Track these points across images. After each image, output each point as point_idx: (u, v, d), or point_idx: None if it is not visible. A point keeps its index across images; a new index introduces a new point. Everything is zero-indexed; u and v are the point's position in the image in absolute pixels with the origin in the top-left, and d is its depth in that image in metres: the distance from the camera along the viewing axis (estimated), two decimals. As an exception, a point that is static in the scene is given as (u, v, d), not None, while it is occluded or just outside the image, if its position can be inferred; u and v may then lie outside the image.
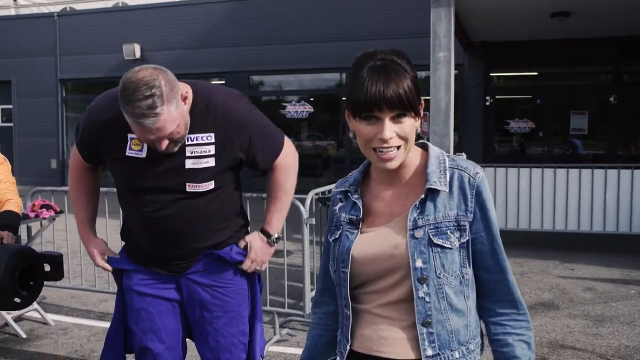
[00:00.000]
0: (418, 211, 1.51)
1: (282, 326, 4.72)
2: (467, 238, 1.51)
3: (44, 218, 5.10)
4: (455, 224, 1.50)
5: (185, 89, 2.15)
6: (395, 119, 1.44)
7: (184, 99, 2.12)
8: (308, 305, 4.76)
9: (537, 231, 7.94)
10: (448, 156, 1.58)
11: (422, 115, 1.55)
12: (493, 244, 1.52)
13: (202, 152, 2.20)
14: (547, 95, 12.22)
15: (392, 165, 1.49)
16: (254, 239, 2.42)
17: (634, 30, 10.20)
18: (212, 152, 2.22)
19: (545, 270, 6.88)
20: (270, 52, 13.43)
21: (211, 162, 2.22)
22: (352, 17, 12.68)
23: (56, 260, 2.82)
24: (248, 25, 13.64)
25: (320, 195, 5.12)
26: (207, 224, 2.31)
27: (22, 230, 5.29)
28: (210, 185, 2.24)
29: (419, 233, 1.49)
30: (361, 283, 1.58)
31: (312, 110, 13.79)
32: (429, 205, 1.51)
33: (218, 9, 14.10)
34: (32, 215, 5.03)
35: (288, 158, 2.43)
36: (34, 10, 17.13)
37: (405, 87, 1.43)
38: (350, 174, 1.70)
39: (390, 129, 1.44)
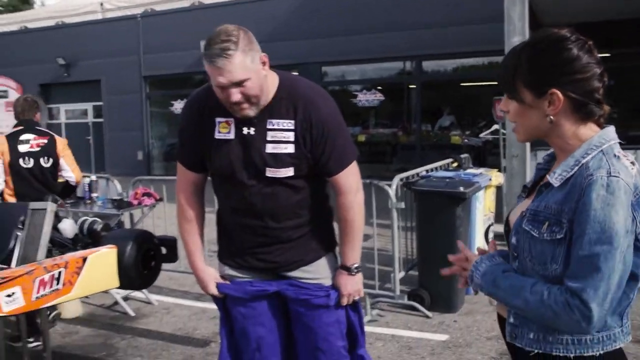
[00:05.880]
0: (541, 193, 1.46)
1: (372, 307, 4.65)
2: (565, 236, 1.35)
3: (146, 205, 5.19)
4: (556, 218, 1.36)
5: (265, 59, 2.11)
6: None
7: (263, 63, 2.09)
8: (397, 287, 4.68)
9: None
10: (602, 151, 1.38)
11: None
12: (580, 251, 1.31)
13: (282, 137, 2.14)
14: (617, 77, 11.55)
15: (518, 138, 1.51)
16: (338, 278, 2.34)
17: None
18: (292, 138, 2.15)
19: None
20: (340, 43, 13.29)
21: (290, 149, 2.15)
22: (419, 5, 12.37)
23: (171, 244, 2.84)
24: (318, 18, 13.57)
25: (405, 180, 4.89)
26: (291, 207, 2.24)
27: (126, 217, 5.42)
28: (290, 171, 2.16)
29: (524, 212, 1.46)
30: None
31: (382, 98, 13.56)
32: (544, 190, 1.45)
33: (287, 5, 14.05)
34: (135, 202, 5.13)
35: (354, 178, 2.29)
36: (119, 13, 17.55)
37: None
38: None
39: None
